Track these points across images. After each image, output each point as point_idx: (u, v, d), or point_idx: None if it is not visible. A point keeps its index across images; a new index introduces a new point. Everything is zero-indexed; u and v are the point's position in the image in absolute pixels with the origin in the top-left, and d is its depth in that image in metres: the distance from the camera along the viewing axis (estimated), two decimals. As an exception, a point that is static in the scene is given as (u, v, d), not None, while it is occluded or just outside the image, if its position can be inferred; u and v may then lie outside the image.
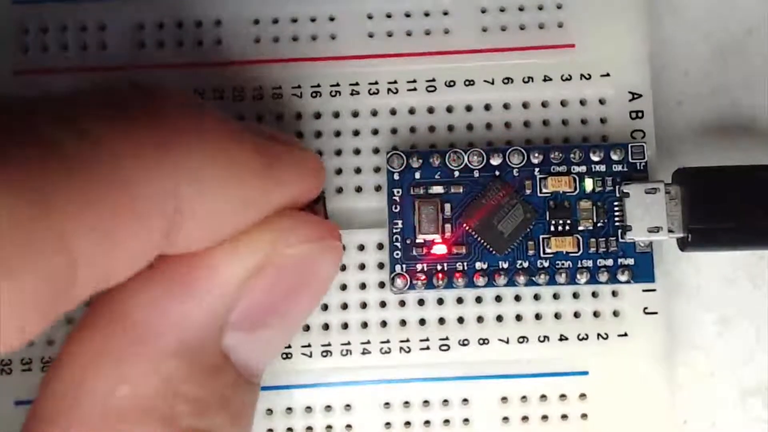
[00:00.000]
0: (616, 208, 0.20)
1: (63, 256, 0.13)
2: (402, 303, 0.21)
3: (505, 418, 0.20)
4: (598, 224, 0.20)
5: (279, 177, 0.17)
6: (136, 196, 0.14)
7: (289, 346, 0.20)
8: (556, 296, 0.21)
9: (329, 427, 0.20)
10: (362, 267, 0.21)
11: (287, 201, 0.17)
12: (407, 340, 0.20)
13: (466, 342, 0.20)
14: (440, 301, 0.21)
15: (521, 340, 0.20)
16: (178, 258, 0.16)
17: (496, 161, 0.20)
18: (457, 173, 0.20)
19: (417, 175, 0.20)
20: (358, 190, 0.21)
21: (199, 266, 0.16)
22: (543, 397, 0.20)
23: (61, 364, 0.16)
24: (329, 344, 0.20)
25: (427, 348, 0.20)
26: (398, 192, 0.20)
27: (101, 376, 0.15)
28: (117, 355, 0.15)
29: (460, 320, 0.20)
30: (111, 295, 0.16)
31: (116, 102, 0.15)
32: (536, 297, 0.21)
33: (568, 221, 0.20)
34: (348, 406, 0.20)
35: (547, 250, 0.20)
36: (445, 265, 0.20)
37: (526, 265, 0.20)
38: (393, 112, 0.21)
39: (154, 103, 0.15)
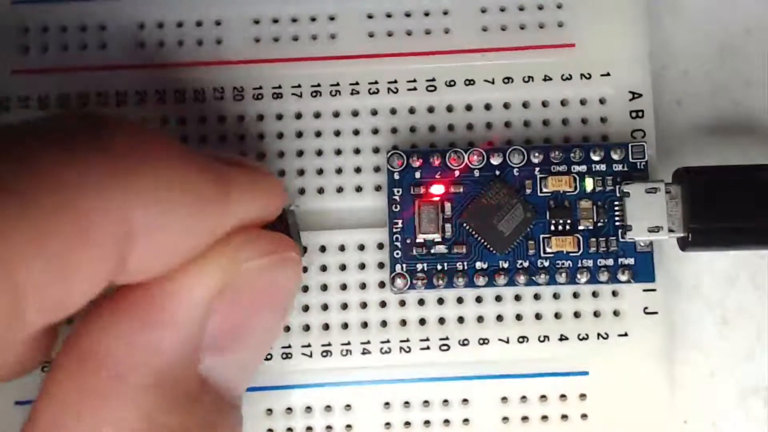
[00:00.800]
0: (616, 208, 0.20)
1: (7, 285, 0.13)
2: (402, 303, 0.21)
3: (505, 418, 0.20)
4: (599, 224, 0.20)
5: (232, 199, 0.17)
6: (86, 224, 0.14)
7: (289, 346, 0.20)
8: (556, 296, 0.21)
9: (329, 427, 0.20)
10: (362, 267, 0.21)
11: (242, 223, 0.17)
12: (407, 340, 0.20)
13: (466, 342, 0.20)
14: (440, 301, 0.21)
15: (521, 340, 0.20)
16: (140, 287, 0.16)
17: (496, 161, 0.20)
18: (457, 173, 0.20)
19: (417, 175, 0.20)
20: (359, 189, 0.21)
21: (161, 293, 0.16)
22: (543, 397, 0.20)
23: (40, 409, 0.15)
24: (329, 344, 0.20)
25: (428, 348, 0.20)
26: (398, 191, 0.20)
27: (82, 419, 0.15)
28: (94, 395, 0.15)
29: (461, 320, 0.20)
30: (78, 333, 0.16)
31: (62, 132, 0.15)
32: (536, 297, 0.21)
33: (569, 221, 0.20)
34: (348, 406, 0.20)
35: (548, 250, 0.20)
36: (446, 264, 0.20)
37: (526, 264, 0.20)
38: (393, 111, 0.21)
39: (101, 131, 0.15)
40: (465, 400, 0.20)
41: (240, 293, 0.17)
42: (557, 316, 0.20)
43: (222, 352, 0.17)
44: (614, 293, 0.21)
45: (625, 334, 0.20)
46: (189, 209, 0.16)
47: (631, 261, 0.20)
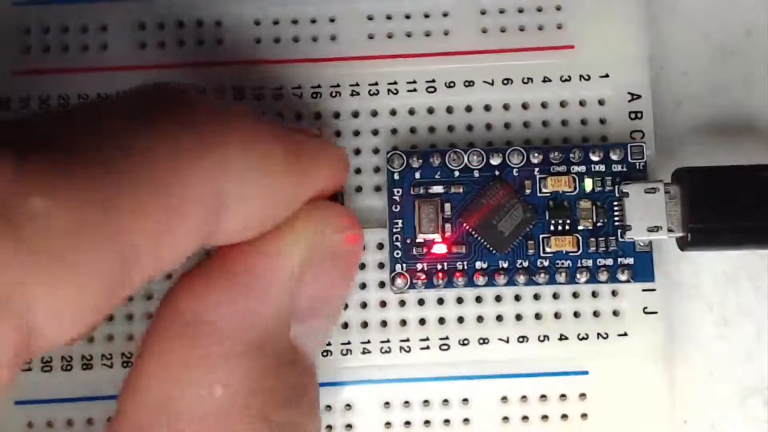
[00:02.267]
0: (615, 208, 0.20)
1: (118, 257, 0.14)
2: (402, 302, 0.21)
3: (505, 418, 0.20)
4: (598, 224, 0.20)
5: (308, 170, 0.17)
6: (181, 197, 0.15)
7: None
8: (555, 296, 0.21)
9: (329, 426, 0.20)
10: (362, 266, 0.21)
11: (315, 193, 0.18)
12: (407, 340, 0.20)
13: (466, 341, 0.20)
14: (440, 301, 0.21)
15: (521, 339, 0.20)
16: (236, 255, 0.17)
17: (495, 161, 0.20)
18: (457, 173, 0.20)
19: (417, 175, 0.20)
20: (359, 190, 0.21)
21: (258, 263, 0.17)
22: (543, 396, 0.20)
23: (147, 372, 0.16)
24: (329, 344, 0.20)
25: (427, 348, 0.20)
26: (398, 192, 0.20)
27: (194, 382, 0.16)
28: (202, 360, 0.16)
29: (460, 320, 0.20)
30: (178, 299, 0.16)
31: (148, 110, 0.15)
32: (536, 296, 0.21)
33: (568, 221, 0.20)
34: (348, 405, 0.20)
35: (547, 250, 0.20)
36: (445, 264, 0.20)
37: (526, 264, 0.20)
38: (393, 112, 0.21)
39: (183, 108, 0.16)
40: (465, 400, 0.20)
41: (324, 263, 0.18)
42: (557, 315, 0.20)
43: (306, 319, 0.18)
44: (614, 293, 0.21)
45: (625, 334, 0.20)
46: (271, 181, 0.16)
47: (630, 261, 0.20)
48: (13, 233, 0.12)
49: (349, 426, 0.20)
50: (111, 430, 0.16)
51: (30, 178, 0.13)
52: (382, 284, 0.21)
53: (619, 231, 0.20)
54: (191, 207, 0.15)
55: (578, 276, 0.20)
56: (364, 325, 0.20)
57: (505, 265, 0.20)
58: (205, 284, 0.17)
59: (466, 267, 0.20)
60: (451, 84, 0.21)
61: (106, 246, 0.13)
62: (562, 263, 0.20)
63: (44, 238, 0.13)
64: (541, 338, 0.20)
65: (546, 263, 0.20)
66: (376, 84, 0.21)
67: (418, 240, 0.20)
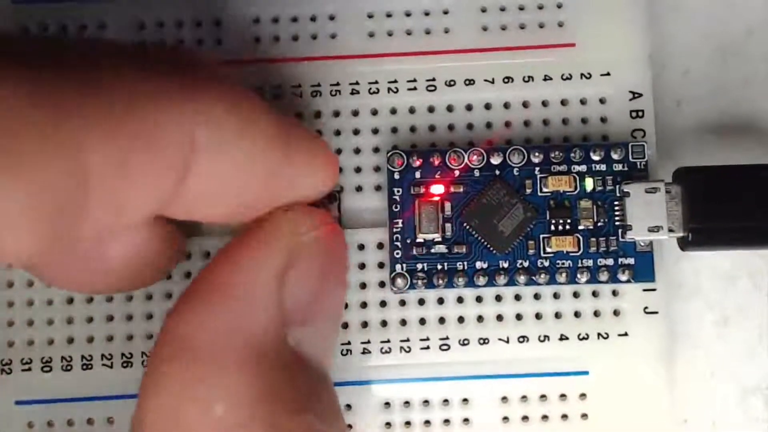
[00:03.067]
0: (616, 208, 0.20)
1: (75, 165, 0.13)
2: (402, 302, 0.21)
3: (506, 418, 0.20)
4: (599, 223, 0.20)
5: (292, 157, 0.17)
6: (154, 130, 0.15)
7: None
8: (556, 296, 0.21)
9: (329, 426, 0.20)
10: (362, 266, 0.21)
11: (298, 195, 0.18)
12: (407, 340, 0.20)
13: (466, 341, 0.20)
14: (440, 301, 0.21)
15: (521, 339, 0.20)
16: (213, 270, 0.17)
17: (496, 160, 0.20)
18: (457, 172, 0.20)
19: (417, 174, 0.20)
20: (359, 189, 0.21)
21: (234, 273, 0.17)
22: (543, 396, 0.20)
23: (149, 402, 0.16)
24: (329, 344, 0.20)
25: (428, 348, 0.20)
26: (398, 191, 0.20)
27: (195, 403, 0.15)
28: (199, 382, 0.16)
29: (461, 320, 0.20)
30: (169, 326, 0.16)
31: (149, 54, 0.16)
32: (536, 296, 0.21)
33: (569, 220, 0.20)
34: (348, 405, 0.20)
35: (548, 250, 0.20)
36: (446, 264, 0.20)
37: (526, 264, 0.20)
38: (393, 111, 0.21)
39: (184, 57, 0.16)
40: (465, 400, 0.20)
41: (306, 264, 0.17)
42: (557, 315, 0.20)
43: (303, 323, 0.17)
44: (614, 293, 0.21)
45: (625, 334, 0.20)
46: (252, 150, 0.16)
47: (631, 261, 0.20)
48: None
49: (349, 426, 0.20)
50: None
51: None
52: (382, 284, 0.21)
53: (619, 231, 0.20)
54: (161, 143, 0.15)
55: (579, 276, 0.20)
56: (364, 325, 0.20)
57: (506, 265, 0.20)
58: (191, 305, 0.16)
59: (466, 267, 0.20)
60: (452, 82, 0.21)
61: (55, 153, 0.13)
62: (563, 263, 0.20)
63: None
64: (542, 338, 0.20)
65: (546, 263, 0.20)
66: (376, 82, 0.21)
67: (418, 240, 0.20)
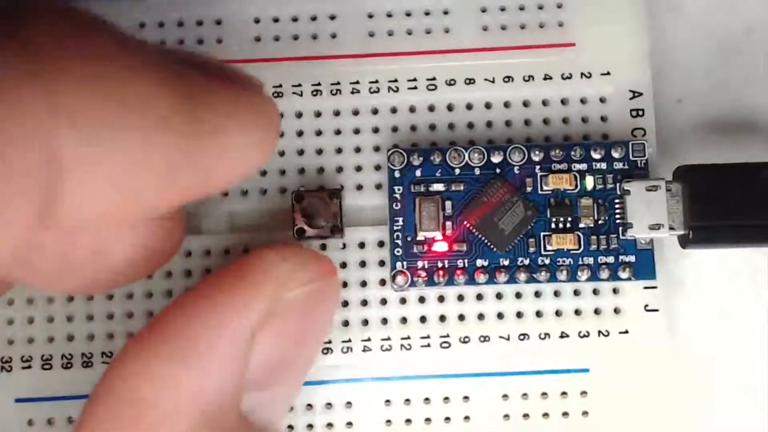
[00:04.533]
0: (617, 206, 0.20)
1: None
2: (403, 300, 0.21)
3: (506, 416, 0.20)
4: (599, 221, 0.20)
5: (207, 125, 0.13)
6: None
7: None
8: (557, 293, 0.21)
9: (330, 424, 0.20)
10: (363, 264, 0.21)
11: (226, 169, 0.14)
12: (408, 338, 0.20)
13: (467, 339, 0.20)
14: (441, 299, 0.21)
15: (522, 337, 0.20)
16: (176, 318, 0.15)
17: (496, 159, 0.20)
18: (458, 171, 0.20)
19: (418, 173, 0.20)
20: (359, 188, 0.21)
21: (202, 328, 0.15)
22: (544, 394, 0.20)
23: None
24: (330, 341, 0.20)
25: (428, 345, 0.20)
26: (399, 190, 0.20)
27: None
28: None
29: (461, 317, 0.20)
30: (114, 376, 0.15)
31: None
32: (537, 294, 0.21)
33: (569, 219, 0.20)
34: (349, 403, 0.20)
35: (548, 248, 0.20)
36: (446, 262, 0.20)
37: (527, 262, 0.20)
38: (394, 110, 0.21)
39: (18, 17, 0.11)
40: (466, 397, 0.20)
41: (281, 324, 0.16)
42: (558, 313, 0.20)
43: (265, 387, 0.16)
44: (615, 291, 0.21)
45: (626, 332, 0.20)
46: (143, 136, 0.12)
47: (631, 258, 0.20)
48: None
49: (349, 423, 0.20)
50: None
51: None
52: (382, 282, 0.21)
53: (620, 229, 0.20)
54: (12, 159, 0.10)
55: (579, 274, 0.20)
56: (365, 322, 0.20)
57: (506, 262, 0.20)
58: (145, 354, 0.14)
59: (466, 265, 0.20)
60: (452, 82, 0.21)
61: None
62: (564, 261, 0.20)
63: None
64: (542, 336, 0.20)
65: (547, 261, 0.20)
66: (377, 82, 0.21)
67: (418, 238, 0.20)
